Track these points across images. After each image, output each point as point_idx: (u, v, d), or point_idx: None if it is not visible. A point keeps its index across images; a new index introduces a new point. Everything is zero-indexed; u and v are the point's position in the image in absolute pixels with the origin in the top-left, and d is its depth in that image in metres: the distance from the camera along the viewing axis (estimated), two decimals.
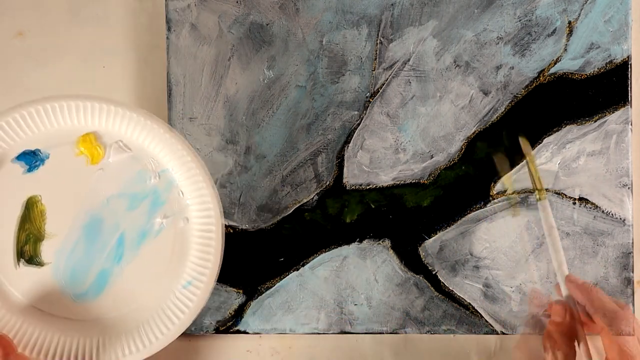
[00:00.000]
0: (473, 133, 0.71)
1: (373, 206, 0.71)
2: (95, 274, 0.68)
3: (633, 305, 0.70)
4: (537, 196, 0.69)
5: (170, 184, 0.67)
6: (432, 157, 0.71)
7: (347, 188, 0.72)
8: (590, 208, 0.71)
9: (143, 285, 0.68)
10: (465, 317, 0.71)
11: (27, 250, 0.68)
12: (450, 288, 0.71)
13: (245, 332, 0.72)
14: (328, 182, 0.72)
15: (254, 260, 0.72)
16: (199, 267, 0.67)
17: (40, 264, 0.68)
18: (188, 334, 0.73)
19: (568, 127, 0.71)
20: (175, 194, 0.67)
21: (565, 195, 0.71)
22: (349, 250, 0.71)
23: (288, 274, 0.72)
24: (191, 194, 0.67)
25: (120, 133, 0.67)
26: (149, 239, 0.67)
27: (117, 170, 0.67)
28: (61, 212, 0.67)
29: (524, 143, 0.70)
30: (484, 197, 0.71)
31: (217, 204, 0.66)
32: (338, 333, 0.71)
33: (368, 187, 0.72)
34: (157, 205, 0.67)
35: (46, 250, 0.67)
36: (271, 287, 0.72)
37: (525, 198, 0.71)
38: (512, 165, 0.70)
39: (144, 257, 0.67)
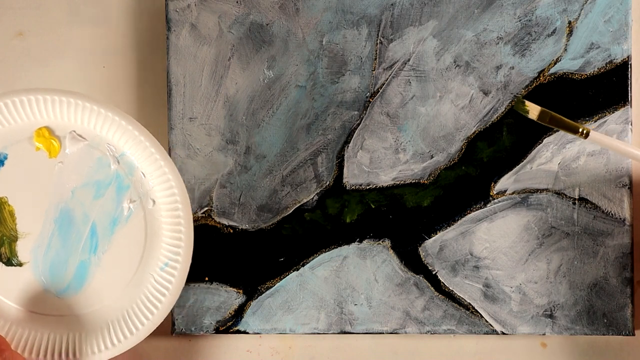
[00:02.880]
0: (473, 133, 0.71)
1: (373, 206, 0.71)
2: (74, 267, 0.68)
3: (633, 305, 0.70)
4: (583, 132, 0.67)
5: (131, 166, 0.68)
6: (432, 157, 0.71)
7: (347, 188, 0.72)
8: (590, 208, 0.71)
9: (122, 272, 0.68)
10: (465, 317, 0.71)
11: (4, 252, 0.68)
12: (450, 288, 0.71)
13: (245, 332, 0.72)
14: (328, 182, 0.72)
15: (254, 260, 0.72)
16: (173, 247, 0.67)
17: (19, 264, 0.68)
18: (188, 334, 0.73)
19: None
20: (138, 176, 0.68)
21: (565, 195, 0.71)
22: (349, 250, 0.72)
23: (288, 274, 0.72)
24: (152, 174, 0.67)
25: (71, 123, 0.67)
26: (120, 225, 0.68)
27: (77, 160, 0.68)
28: (31, 210, 0.68)
29: (528, 106, 0.69)
30: (484, 197, 0.71)
31: (178, 179, 0.67)
32: (338, 333, 0.71)
33: (368, 187, 0.72)
34: (123, 190, 0.68)
35: (22, 249, 0.68)
36: (271, 287, 0.72)
37: (525, 198, 0.71)
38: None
39: (118, 244, 0.68)
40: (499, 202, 0.71)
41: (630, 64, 0.70)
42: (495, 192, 0.71)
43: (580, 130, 0.68)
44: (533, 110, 0.68)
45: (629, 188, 0.70)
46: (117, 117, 0.66)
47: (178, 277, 0.67)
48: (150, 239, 0.68)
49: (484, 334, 0.71)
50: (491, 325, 0.71)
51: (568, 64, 0.71)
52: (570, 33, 0.71)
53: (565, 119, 0.68)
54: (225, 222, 0.72)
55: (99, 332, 0.68)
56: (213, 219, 0.72)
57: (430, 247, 0.71)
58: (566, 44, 0.71)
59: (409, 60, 0.71)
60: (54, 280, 0.68)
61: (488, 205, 0.71)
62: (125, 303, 0.68)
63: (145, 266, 0.68)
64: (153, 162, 0.67)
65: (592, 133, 0.67)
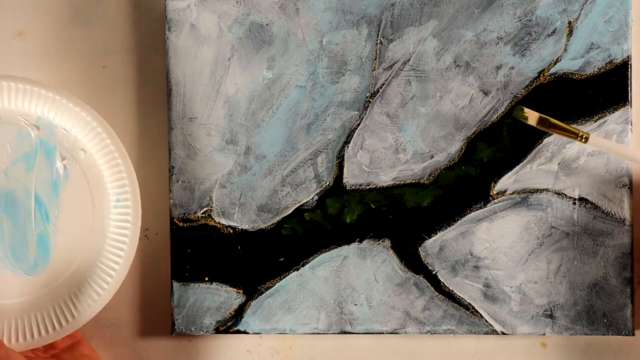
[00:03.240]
0: (473, 133, 0.71)
1: (373, 206, 0.71)
2: (34, 243, 0.69)
3: (633, 305, 0.70)
4: (582, 137, 0.67)
5: (51, 126, 0.69)
6: (432, 157, 0.71)
7: (347, 188, 0.72)
8: (590, 208, 0.71)
9: (81, 227, 0.69)
10: (465, 317, 0.71)
11: None
12: (450, 288, 0.71)
13: (245, 332, 0.72)
14: (328, 182, 0.72)
15: (254, 260, 0.72)
16: (118, 182, 0.69)
17: None
18: (188, 334, 0.73)
19: None
20: (60, 134, 0.69)
21: (565, 195, 0.71)
22: (349, 250, 0.72)
23: (288, 274, 0.72)
24: (72, 124, 0.69)
25: None
26: (61, 186, 0.69)
27: None
28: None
29: (527, 113, 0.69)
30: (484, 197, 0.71)
31: (97, 118, 0.68)
32: (338, 333, 0.71)
33: (368, 187, 0.72)
34: (51, 152, 0.69)
35: None
36: (271, 287, 0.72)
37: (525, 198, 0.71)
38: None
39: (67, 204, 0.69)
40: (499, 202, 0.71)
41: (630, 64, 0.70)
42: (495, 192, 0.71)
43: (580, 134, 0.68)
44: (532, 117, 0.68)
45: (629, 188, 0.70)
46: (20, 84, 0.67)
47: (133, 208, 0.69)
48: (95, 185, 0.69)
49: (484, 334, 0.71)
50: (491, 325, 0.71)
51: (568, 64, 0.71)
52: (570, 33, 0.71)
53: (565, 124, 0.68)
54: (225, 222, 0.72)
55: (83, 288, 0.69)
56: (213, 219, 0.72)
57: (430, 247, 0.71)
58: (566, 44, 0.71)
59: (409, 60, 0.71)
60: (21, 263, 0.69)
61: (488, 205, 0.71)
62: (96, 253, 0.69)
63: (100, 212, 0.69)
64: (68, 113, 0.68)
65: (591, 137, 0.68)
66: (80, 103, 0.68)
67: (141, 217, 0.69)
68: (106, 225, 0.69)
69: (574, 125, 0.70)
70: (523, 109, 0.69)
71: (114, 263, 0.69)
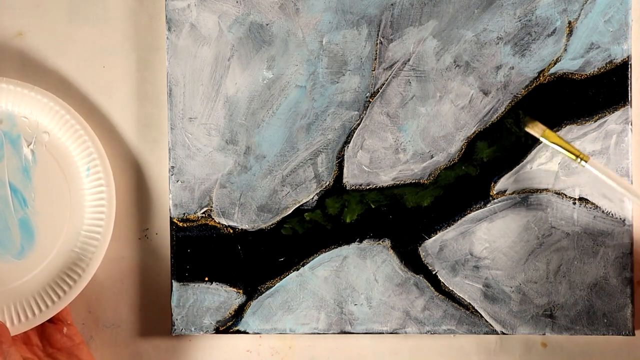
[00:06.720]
0: (473, 133, 0.71)
1: (373, 206, 0.71)
2: (17, 228, 0.71)
3: (633, 305, 0.70)
4: (580, 159, 0.68)
5: (11, 117, 0.71)
6: (432, 157, 0.71)
7: (347, 188, 0.72)
8: (590, 208, 0.71)
9: (59, 204, 0.71)
10: (465, 317, 0.71)
11: None
12: (450, 288, 0.71)
13: (245, 332, 0.72)
14: (328, 182, 0.72)
15: (254, 260, 0.72)
16: (84, 151, 0.71)
17: None
18: (188, 334, 0.73)
19: (568, 127, 0.71)
20: (21, 122, 0.71)
21: (565, 195, 0.71)
22: (349, 250, 0.72)
23: (288, 274, 0.72)
24: (31, 110, 0.71)
25: None
26: (33, 170, 0.71)
27: None
28: None
29: (532, 123, 0.69)
30: (484, 197, 0.71)
31: (53, 98, 0.70)
32: (338, 333, 0.71)
33: (368, 187, 0.72)
34: (16, 141, 0.71)
35: None
36: (271, 287, 0.72)
37: (525, 198, 0.71)
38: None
39: (41, 186, 0.71)
40: (499, 202, 0.71)
41: (630, 64, 0.70)
42: (495, 192, 0.71)
43: (579, 158, 0.69)
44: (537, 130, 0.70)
45: None
46: None
47: (104, 171, 0.71)
48: (63, 162, 0.71)
49: (484, 334, 0.71)
50: (491, 325, 0.71)
51: (568, 64, 0.71)
52: (570, 33, 0.71)
53: (562, 142, 0.69)
54: (225, 222, 0.72)
55: (73, 259, 0.71)
56: (213, 219, 0.72)
57: (430, 247, 0.71)
58: (566, 44, 0.71)
59: (409, 60, 0.71)
60: (8, 250, 0.71)
61: (488, 205, 0.71)
62: (78, 224, 0.71)
63: (74, 185, 0.71)
64: (23, 100, 0.71)
65: (589, 163, 0.68)
66: (34, 89, 0.70)
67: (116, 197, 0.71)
68: (82, 195, 0.71)
69: (568, 134, 0.71)
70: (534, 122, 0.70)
71: (97, 227, 0.71)
